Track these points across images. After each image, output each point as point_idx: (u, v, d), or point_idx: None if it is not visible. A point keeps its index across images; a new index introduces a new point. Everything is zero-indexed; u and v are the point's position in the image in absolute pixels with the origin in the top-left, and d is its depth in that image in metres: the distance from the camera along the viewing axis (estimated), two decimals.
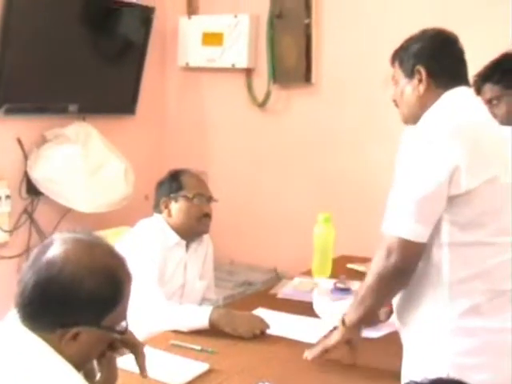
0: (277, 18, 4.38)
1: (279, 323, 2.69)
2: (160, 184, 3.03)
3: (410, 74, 2.07)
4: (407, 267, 1.91)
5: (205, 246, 3.08)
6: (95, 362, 1.58)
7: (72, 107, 4.14)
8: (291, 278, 3.33)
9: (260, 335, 2.58)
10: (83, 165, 3.96)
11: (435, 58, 2.05)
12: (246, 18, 4.47)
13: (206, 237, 3.08)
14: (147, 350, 2.28)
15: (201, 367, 2.25)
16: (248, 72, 4.60)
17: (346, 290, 3.00)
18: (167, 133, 4.96)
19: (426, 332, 1.93)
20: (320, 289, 3.00)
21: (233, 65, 4.55)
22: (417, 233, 1.85)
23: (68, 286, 1.43)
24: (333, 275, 3.28)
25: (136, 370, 2.13)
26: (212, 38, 4.60)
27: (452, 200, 1.84)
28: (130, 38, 4.51)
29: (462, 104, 2.00)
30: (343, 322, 2.16)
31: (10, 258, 3.85)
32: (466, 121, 1.93)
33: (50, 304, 1.44)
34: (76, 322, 1.44)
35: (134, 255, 2.71)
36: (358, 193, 4.15)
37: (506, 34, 3.51)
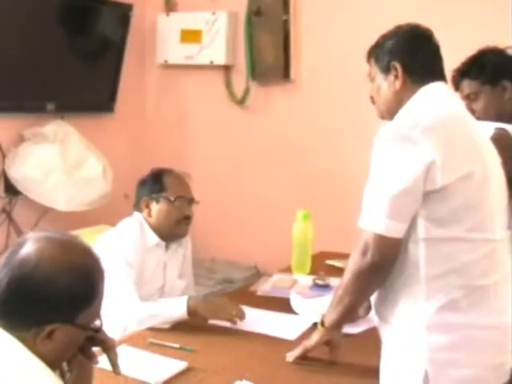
0: (255, 14, 4.39)
1: (258, 320, 2.69)
2: (142, 183, 3.00)
3: (386, 71, 2.07)
4: (384, 263, 1.91)
5: (184, 246, 3.07)
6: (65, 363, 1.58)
7: (50, 106, 4.12)
8: (271, 275, 3.34)
9: (238, 332, 2.59)
10: (61, 164, 3.95)
11: (410, 54, 2.05)
12: (224, 15, 4.47)
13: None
14: (125, 349, 2.30)
15: (179, 365, 2.24)
16: (226, 69, 4.60)
17: (325, 287, 3.02)
18: (146, 130, 4.95)
19: (404, 328, 1.93)
20: (299, 286, 3.01)
21: (211, 62, 4.55)
22: (392, 228, 1.85)
23: (42, 283, 1.43)
24: (312, 271, 3.29)
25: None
26: (190, 35, 4.59)
27: (427, 196, 1.84)
28: (108, 36, 4.50)
29: (437, 99, 2.01)
30: (322, 323, 2.16)
31: None
32: (441, 116, 1.93)
33: (24, 302, 1.43)
34: (50, 320, 1.44)
35: (110, 257, 2.71)
36: (337, 189, 4.16)
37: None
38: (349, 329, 2.53)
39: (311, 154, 4.32)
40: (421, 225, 1.87)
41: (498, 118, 2.52)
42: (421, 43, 2.08)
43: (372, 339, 2.21)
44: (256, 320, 2.68)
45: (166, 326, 2.59)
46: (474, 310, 1.88)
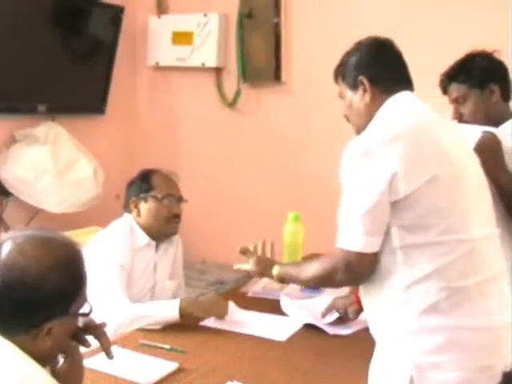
0: (246, 17, 4.40)
1: (249, 322, 2.71)
2: (130, 184, 3.02)
3: (354, 87, 2.12)
4: (361, 278, 1.96)
5: (175, 246, 3.08)
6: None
7: (41, 107, 4.13)
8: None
9: (229, 333, 2.60)
10: (53, 165, 3.95)
11: (374, 65, 2.10)
12: (215, 17, 4.48)
13: (175, 237, 3.08)
14: (116, 350, 2.30)
15: (170, 366, 2.25)
16: (218, 71, 4.61)
17: (315, 289, 3.03)
18: (137, 132, 4.95)
19: (389, 333, 1.95)
20: (289, 287, 3.02)
21: (203, 64, 4.56)
22: (369, 244, 1.88)
23: (32, 287, 1.43)
24: None
25: (106, 370, 2.16)
26: (182, 37, 4.60)
27: (394, 206, 1.87)
28: (100, 38, 4.50)
29: (401, 110, 2.03)
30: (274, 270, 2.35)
31: None
32: (403, 126, 1.95)
33: (17, 308, 1.44)
34: (46, 318, 1.45)
35: (101, 258, 2.73)
36: (327, 191, 4.11)
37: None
38: (340, 330, 2.55)
39: (302, 156, 4.33)
40: (395, 234, 1.89)
41: (486, 122, 2.54)
42: (383, 53, 2.12)
43: (363, 341, 2.23)
44: (247, 321, 2.70)
45: (157, 327, 2.60)
46: (456, 312, 1.87)
